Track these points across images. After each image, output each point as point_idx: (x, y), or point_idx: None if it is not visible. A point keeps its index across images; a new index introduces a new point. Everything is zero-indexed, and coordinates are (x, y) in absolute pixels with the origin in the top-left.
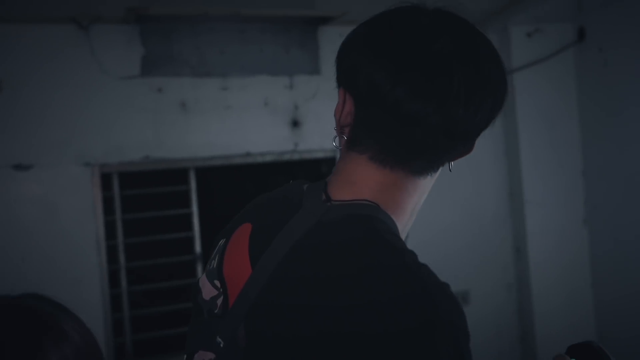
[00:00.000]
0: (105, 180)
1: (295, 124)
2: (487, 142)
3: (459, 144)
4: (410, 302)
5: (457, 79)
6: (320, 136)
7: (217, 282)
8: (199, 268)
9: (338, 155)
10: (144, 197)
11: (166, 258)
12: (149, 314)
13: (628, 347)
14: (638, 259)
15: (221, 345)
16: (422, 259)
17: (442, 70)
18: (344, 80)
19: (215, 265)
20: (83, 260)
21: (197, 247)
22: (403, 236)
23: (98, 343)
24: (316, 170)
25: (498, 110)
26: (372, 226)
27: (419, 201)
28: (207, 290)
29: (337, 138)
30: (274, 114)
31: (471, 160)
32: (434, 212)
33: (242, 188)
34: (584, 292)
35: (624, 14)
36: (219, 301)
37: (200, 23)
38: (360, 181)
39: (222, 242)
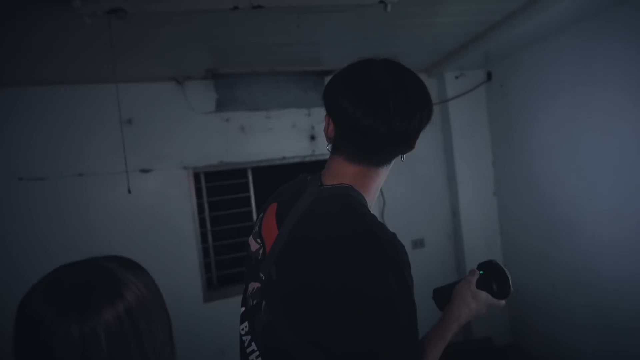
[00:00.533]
0: (196, 177)
1: (312, 138)
2: (432, 144)
3: (400, 145)
4: (366, 246)
5: (393, 104)
6: None
7: (258, 240)
8: None
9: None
10: (220, 187)
11: (234, 224)
12: (227, 259)
13: (520, 266)
14: (525, 216)
15: (263, 278)
16: (396, 220)
17: (384, 99)
18: (327, 108)
19: (257, 230)
20: (185, 227)
21: (253, 217)
22: (371, 204)
23: (158, 290)
24: None
25: (426, 121)
26: (346, 200)
27: (380, 182)
28: (253, 245)
29: (329, 146)
30: (298, 132)
31: (423, 156)
32: (401, 191)
33: (279, 179)
34: (494, 237)
35: (515, 63)
36: (260, 252)
37: (251, 77)
38: (340, 173)
39: (260, 215)
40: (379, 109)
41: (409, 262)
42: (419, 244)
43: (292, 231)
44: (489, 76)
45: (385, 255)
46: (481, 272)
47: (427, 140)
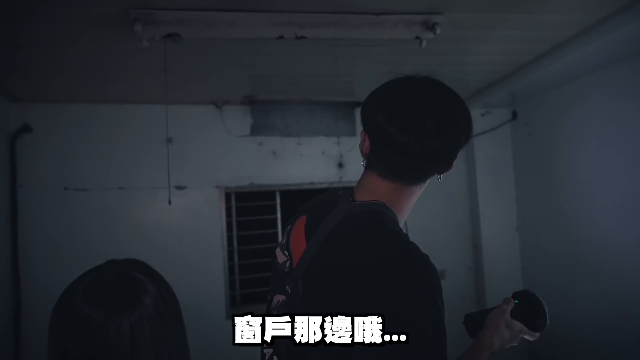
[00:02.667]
0: (227, 196)
1: (340, 165)
2: (456, 178)
3: (435, 164)
4: (399, 266)
5: (430, 122)
6: (355, 173)
7: (286, 252)
8: None
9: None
10: (249, 208)
11: (260, 245)
12: (250, 278)
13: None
14: (547, 253)
15: (289, 291)
16: (421, 248)
17: (420, 116)
18: (363, 124)
19: (285, 242)
20: (213, 243)
21: (279, 239)
22: (402, 222)
23: (174, 294)
24: None
25: (464, 141)
26: (378, 217)
27: (413, 201)
28: (280, 257)
29: (364, 162)
30: (327, 159)
31: (447, 188)
32: (424, 221)
33: None
34: (515, 272)
35: (541, 103)
36: (287, 264)
37: (286, 104)
38: (373, 189)
39: (289, 227)
40: (415, 126)
41: (441, 286)
42: (440, 275)
43: (321, 246)
44: (515, 115)
45: (418, 277)
46: (516, 301)
47: (451, 174)
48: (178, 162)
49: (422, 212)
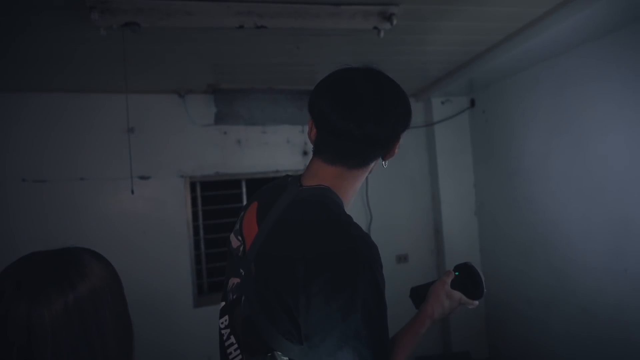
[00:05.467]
0: (192, 186)
1: (305, 153)
2: (418, 164)
3: (375, 149)
4: (340, 240)
5: (368, 108)
6: None
7: (239, 237)
8: None
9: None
10: (214, 197)
11: (226, 233)
12: (217, 266)
13: (498, 282)
14: (503, 235)
15: (242, 273)
16: (382, 235)
17: (359, 103)
18: (310, 112)
19: (238, 227)
20: (179, 233)
21: None
22: (347, 206)
23: (118, 277)
24: None
25: (402, 127)
26: (323, 201)
27: (356, 185)
28: (234, 242)
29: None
30: (292, 147)
31: (409, 175)
32: (388, 207)
33: None
34: (474, 255)
35: (497, 92)
36: (241, 248)
37: (250, 93)
38: (320, 174)
39: (242, 213)
40: (354, 112)
41: (381, 262)
42: (403, 259)
43: (270, 230)
44: (473, 103)
45: (357, 248)
46: (457, 273)
47: (413, 161)
48: (141, 152)
49: (386, 198)
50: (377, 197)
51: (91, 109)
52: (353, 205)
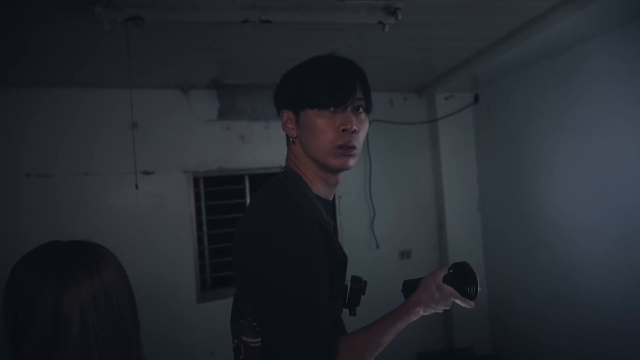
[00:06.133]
0: (196, 181)
1: None
2: (422, 161)
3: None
4: (262, 203)
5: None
6: None
7: None
8: None
9: None
10: (218, 192)
11: (230, 229)
12: (221, 262)
13: (501, 278)
14: (506, 231)
15: None
16: (385, 230)
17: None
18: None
19: None
20: (182, 229)
21: None
22: (317, 185)
23: (124, 271)
24: None
25: (275, 100)
26: (275, 181)
27: (299, 161)
28: None
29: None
30: None
31: (412, 171)
32: (391, 203)
33: None
34: (477, 250)
35: (501, 88)
36: None
37: (253, 88)
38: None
39: None
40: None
41: (308, 222)
42: (406, 254)
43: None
44: (477, 99)
45: (275, 207)
46: (451, 270)
47: (416, 157)
48: (144, 147)
49: (389, 194)
50: (380, 193)
51: (95, 103)
52: (356, 202)
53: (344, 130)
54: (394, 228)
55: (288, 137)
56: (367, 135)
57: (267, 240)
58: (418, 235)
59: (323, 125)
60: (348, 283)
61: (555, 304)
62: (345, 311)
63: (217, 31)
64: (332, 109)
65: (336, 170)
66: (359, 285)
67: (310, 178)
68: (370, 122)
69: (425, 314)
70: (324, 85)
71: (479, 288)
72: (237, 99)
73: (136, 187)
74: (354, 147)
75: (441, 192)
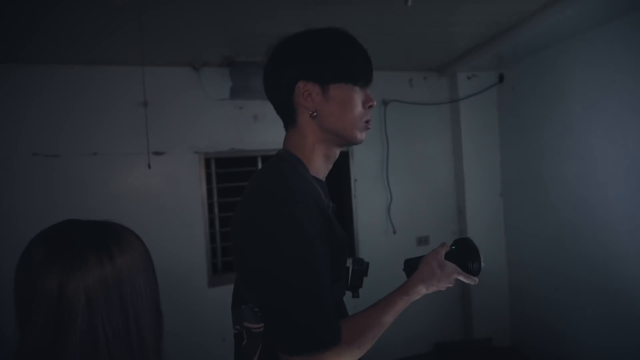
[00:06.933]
0: (207, 162)
1: None
2: (441, 143)
3: (278, 99)
4: (258, 189)
5: (270, 59)
6: None
7: None
8: None
9: None
10: (230, 174)
11: None
12: (230, 246)
13: (524, 267)
14: (530, 218)
15: None
16: (402, 215)
17: (269, 55)
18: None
19: None
20: (193, 212)
21: None
22: (315, 167)
23: (151, 258)
24: None
25: (293, 69)
26: (272, 162)
27: (301, 143)
28: None
29: None
30: None
31: (431, 154)
32: (408, 187)
33: None
34: (499, 238)
35: (528, 67)
36: None
37: None
38: (284, 139)
39: None
40: (266, 64)
41: (305, 204)
42: (423, 241)
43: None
44: (501, 78)
45: (275, 190)
46: (453, 247)
47: (436, 139)
48: (155, 126)
49: (407, 178)
50: (398, 177)
51: (105, 81)
52: (372, 185)
53: (370, 107)
54: (412, 213)
55: (292, 116)
56: (385, 116)
57: (262, 228)
58: (437, 220)
59: (356, 100)
60: (350, 265)
61: (583, 294)
62: (349, 294)
63: (229, 5)
64: (362, 85)
65: (351, 144)
66: (361, 266)
67: (311, 158)
68: (387, 102)
69: (428, 292)
70: (366, 63)
71: (483, 264)
72: (250, 77)
73: (149, 167)
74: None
75: (462, 176)
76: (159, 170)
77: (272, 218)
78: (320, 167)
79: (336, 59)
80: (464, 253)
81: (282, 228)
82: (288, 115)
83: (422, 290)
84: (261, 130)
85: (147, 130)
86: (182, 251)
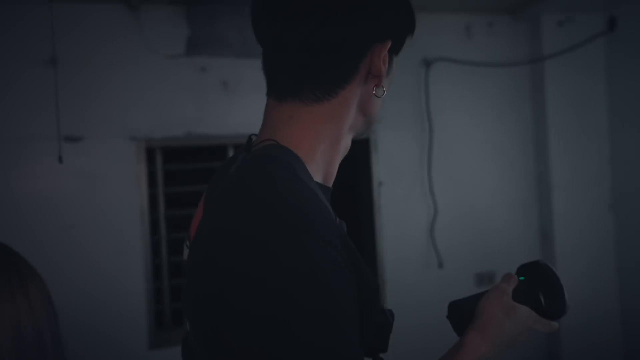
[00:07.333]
0: (150, 154)
1: None
2: (513, 126)
3: (327, 58)
4: (273, 211)
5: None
6: None
7: (187, 243)
8: None
9: None
10: (185, 172)
11: None
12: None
13: None
14: None
15: None
16: (452, 239)
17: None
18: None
19: (188, 232)
20: (127, 230)
21: None
22: (318, 175)
23: (49, 295)
24: None
25: (379, 11)
26: (258, 164)
27: (324, 133)
28: (185, 252)
29: None
30: None
31: (498, 146)
32: (462, 197)
33: None
34: (609, 276)
35: None
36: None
37: (244, 5)
38: (269, 122)
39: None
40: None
41: (328, 237)
42: (486, 279)
43: (200, 224)
44: (613, 24)
45: (279, 212)
46: (521, 278)
47: (506, 120)
48: (69, 97)
49: (460, 182)
50: (446, 180)
51: None
52: (405, 192)
53: None
54: (468, 236)
55: (330, 86)
56: (426, 84)
57: (263, 247)
58: (507, 248)
59: None
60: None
61: None
62: None
63: None
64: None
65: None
66: (387, 320)
67: (323, 152)
68: (430, 62)
69: (492, 356)
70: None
71: (568, 303)
72: (217, 22)
73: (59, 160)
74: None
75: (547, 178)
76: (74, 166)
77: (278, 240)
78: (332, 167)
79: (407, 15)
80: (540, 287)
81: (294, 254)
82: (324, 82)
83: (481, 349)
84: (234, 105)
85: (57, 104)
86: (107, 295)
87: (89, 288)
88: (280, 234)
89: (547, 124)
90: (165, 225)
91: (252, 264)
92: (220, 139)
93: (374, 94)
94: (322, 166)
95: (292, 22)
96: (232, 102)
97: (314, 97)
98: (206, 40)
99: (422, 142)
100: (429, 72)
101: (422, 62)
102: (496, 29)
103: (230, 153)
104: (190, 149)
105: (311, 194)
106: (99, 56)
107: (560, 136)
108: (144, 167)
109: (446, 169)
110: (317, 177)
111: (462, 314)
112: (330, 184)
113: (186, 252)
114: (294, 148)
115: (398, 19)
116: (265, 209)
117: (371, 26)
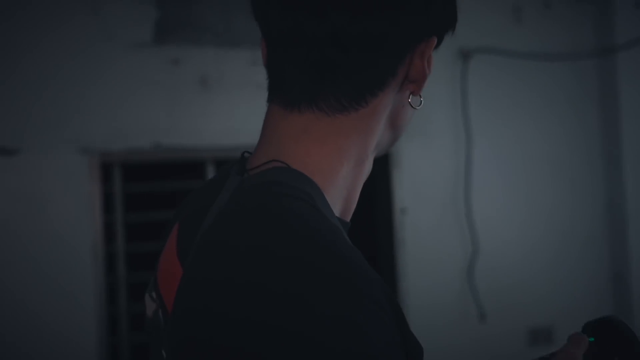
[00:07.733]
0: (106, 171)
1: None
2: (576, 139)
3: (359, 56)
4: (317, 264)
5: None
6: None
7: (154, 295)
8: None
9: None
10: (151, 195)
11: None
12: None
13: None
14: None
15: (165, 357)
16: (498, 284)
17: None
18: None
19: (153, 279)
20: (76, 269)
21: None
22: (337, 206)
23: None
24: None
25: (424, 8)
26: (269, 196)
27: (351, 152)
28: (149, 306)
29: None
30: None
31: (556, 162)
32: (510, 228)
33: None
34: None
35: None
36: (160, 315)
37: None
38: (275, 137)
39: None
40: None
41: (376, 296)
42: (542, 337)
43: (189, 268)
44: None
45: (316, 262)
46: (591, 339)
47: (567, 126)
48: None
49: (507, 210)
50: (490, 209)
51: None
52: (437, 221)
53: None
54: (517, 279)
55: (363, 93)
56: (465, 80)
57: (298, 300)
58: (569, 296)
59: None
60: None
61: None
62: None
63: None
64: None
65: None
66: None
67: (340, 182)
68: (468, 54)
69: None
70: None
71: None
72: (193, 2)
73: None
74: None
75: (621, 203)
76: (7, 186)
77: (321, 295)
78: (354, 196)
79: (450, 4)
80: (615, 348)
81: (338, 340)
82: (355, 86)
83: None
84: (215, 108)
85: None
86: (51, 351)
87: (26, 348)
88: (331, 296)
89: (621, 135)
90: (124, 263)
91: (301, 343)
92: (196, 152)
93: (409, 102)
94: (342, 194)
95: (321, 9)
96: (212, 104)
97: (339, 106)
98: (180, 24)
99: (457, 156)
100: (466, 66)
101: (457, 53)
102: (554, 11)
103: (210, 170)
104: (159, 164)
105: (343, 238)
106: (41, 45)
107: (638, 149)
108: (97, 187)
109: (489, 191)
110: (336, 210)
111: None
112: (348, 218)
113: (151, 305)
114: (310, 174)
115: (444, 11)
116: (306, 262)
117: (418, 20)
